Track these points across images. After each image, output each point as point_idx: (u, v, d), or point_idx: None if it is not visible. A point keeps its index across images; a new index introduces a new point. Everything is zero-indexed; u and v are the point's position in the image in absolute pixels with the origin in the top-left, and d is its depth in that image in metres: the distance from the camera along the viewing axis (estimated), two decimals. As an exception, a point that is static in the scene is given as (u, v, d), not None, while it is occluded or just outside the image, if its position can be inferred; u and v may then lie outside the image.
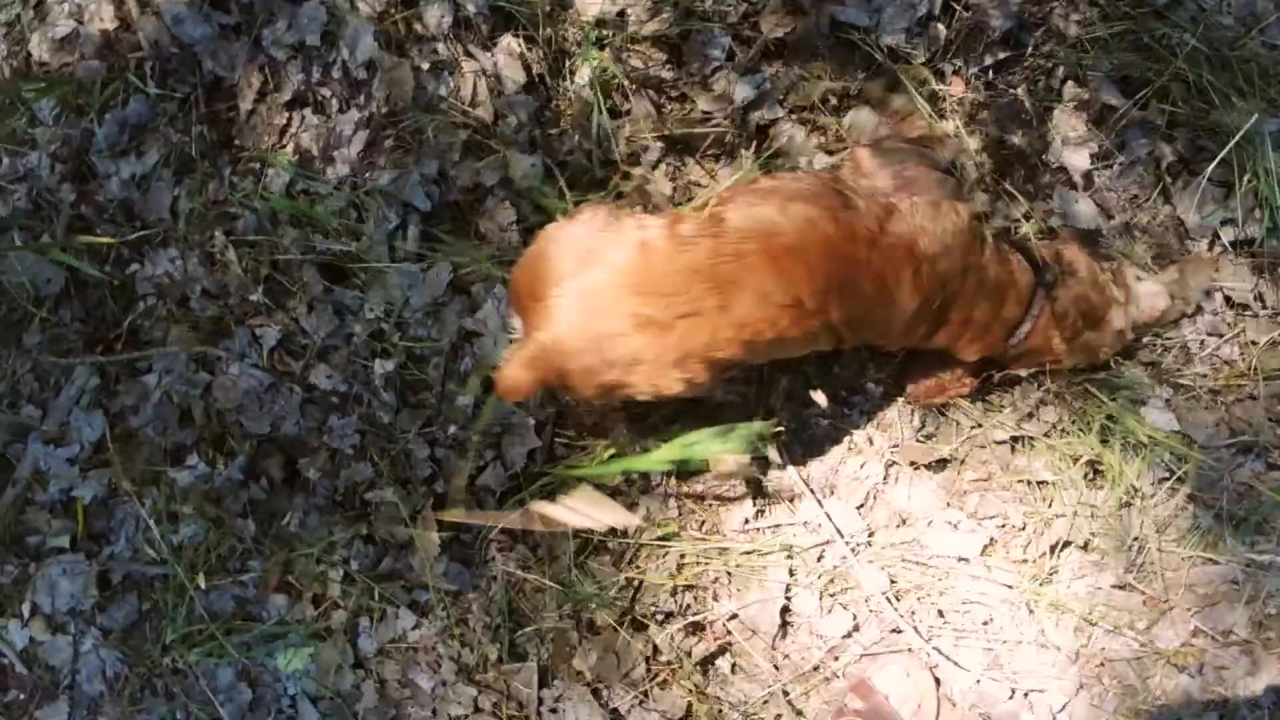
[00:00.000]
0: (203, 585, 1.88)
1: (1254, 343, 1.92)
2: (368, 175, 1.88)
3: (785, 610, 1.87)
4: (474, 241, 1.86)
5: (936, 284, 1.59)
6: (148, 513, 1.95)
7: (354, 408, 1.91)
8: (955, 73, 1.97)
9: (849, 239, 1.51)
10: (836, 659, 1.88)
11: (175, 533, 1.93)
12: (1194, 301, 1.95)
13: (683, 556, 1.88)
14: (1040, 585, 1.87)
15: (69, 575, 1.99)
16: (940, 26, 1.92)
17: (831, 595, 1.89)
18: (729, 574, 1.88)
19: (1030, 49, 1.96)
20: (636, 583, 1.88)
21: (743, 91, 1.91)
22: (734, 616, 1.88)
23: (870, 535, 1.90)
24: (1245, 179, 1.88)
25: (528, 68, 1.95)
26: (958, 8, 1.90)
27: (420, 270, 1.82)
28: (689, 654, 1.85)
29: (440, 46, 1.96)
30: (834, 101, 1.93)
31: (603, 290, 1.43)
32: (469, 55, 1.97)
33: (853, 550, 1.90)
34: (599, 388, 1.49)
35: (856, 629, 1.86)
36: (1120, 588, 1.88)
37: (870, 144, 1.80)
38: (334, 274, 1.90)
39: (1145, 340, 1.95)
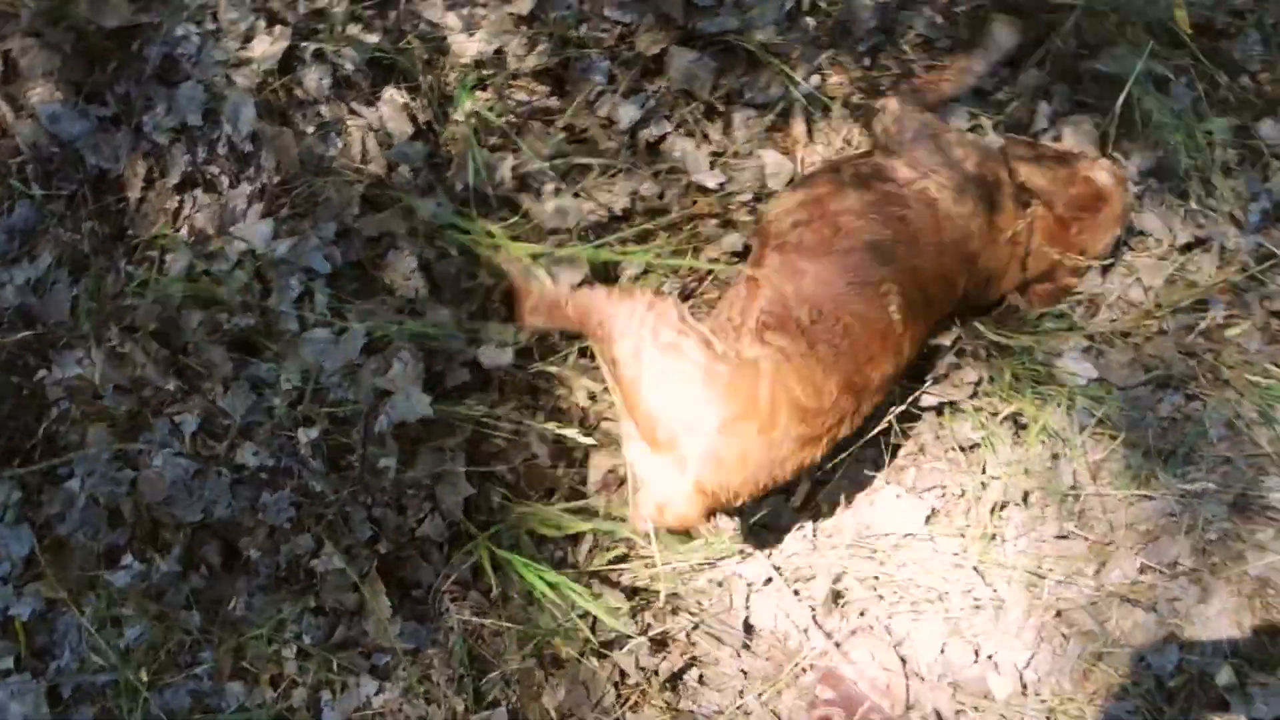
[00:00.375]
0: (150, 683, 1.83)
1: (1150, 287, 2.00)
2: (267, 246, 1.87)
3: (745, 612, 1.88)
4: (381, 297, 1.85)
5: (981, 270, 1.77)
6: (89, 620, 1.89)
7: (284, 481, 1.88)
8: (833, 63, 2.02)
9: (916, 253, 1.67)
10: (802, 653, 1.89)
11: (120, 636, 1.88)
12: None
13: (635, 578, 1.89)
14: (987, 547, 1.91)
15: (18, 697, 1.92)
16: (809, 20, 1.97)
17: (788, 590, 1.90)
18: (684, 585, 1.89)
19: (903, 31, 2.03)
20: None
21: (628, 113, 1.94)
22: (696, 627, 1.89)
23: (815, 523, 1.92)
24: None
25: (413, 117, 1.96)
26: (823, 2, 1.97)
27: (332, 335, 1.81)
28: (656, 673, 1.85)
29: (324, 108, 1.97)
30: (720, 108, 1.96)
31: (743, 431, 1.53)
32: (354, 113, 1.97)
33: (804, 539, 1.92)
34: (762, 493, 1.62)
35: (815, 620, 1.88)
36: (1064, 537, 1.92)
37: (904, 102, 1.85)
38: (246, 349, 1.88)
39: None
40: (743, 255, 1.97)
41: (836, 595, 1.90)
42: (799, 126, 1.98)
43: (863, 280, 1.63)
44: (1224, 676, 1.92)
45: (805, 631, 1.88)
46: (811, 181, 1.80)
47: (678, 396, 1.55)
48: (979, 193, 1.76)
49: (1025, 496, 1.93)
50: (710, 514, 1.62)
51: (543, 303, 1.81)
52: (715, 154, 1.97)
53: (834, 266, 1.63)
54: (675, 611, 1.88)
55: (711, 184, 1.93)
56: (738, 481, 1.55)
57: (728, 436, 1.52)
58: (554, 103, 1.97)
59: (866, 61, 2.02)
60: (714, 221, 1.97)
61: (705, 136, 1.97)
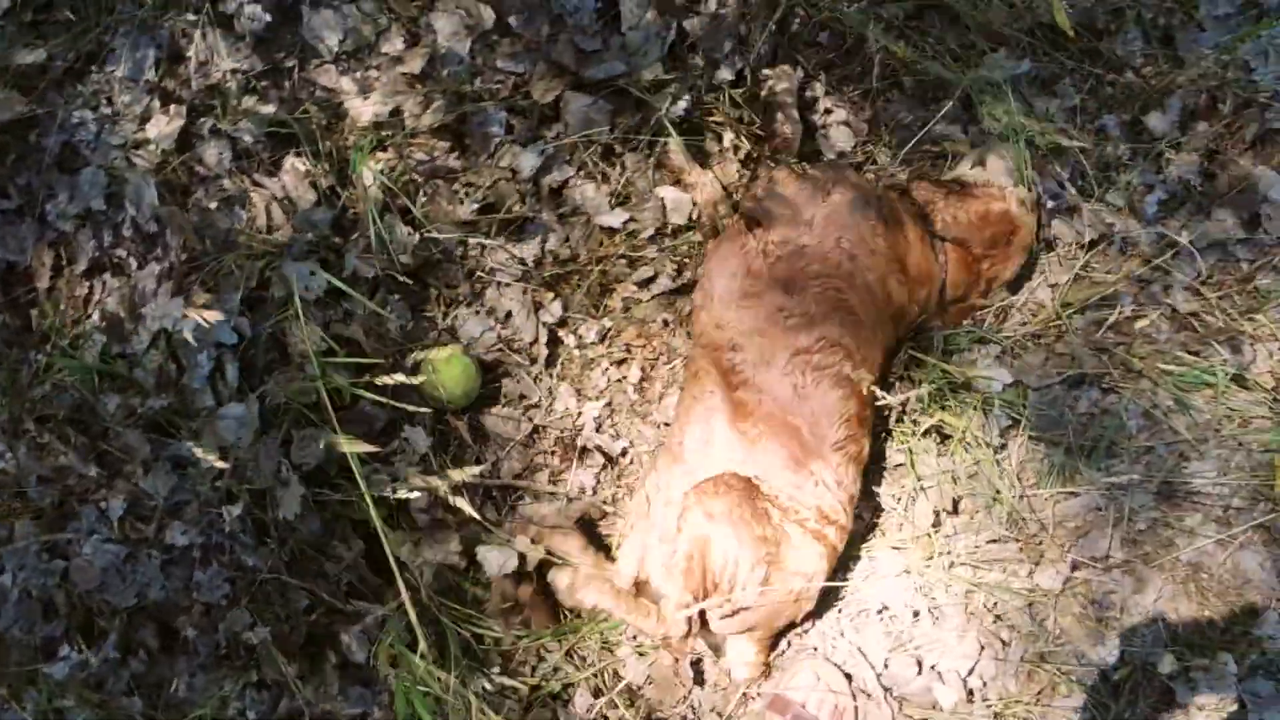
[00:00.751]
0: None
1: (1056, 285, 2.03)
2: (176, 325, 1.87)
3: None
4: (293, 367, 1.86)
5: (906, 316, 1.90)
6: (31, 716, 1.88)
7: (215, 557, 1.87)
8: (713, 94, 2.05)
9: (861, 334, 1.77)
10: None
11: (62, 729, 1.86)
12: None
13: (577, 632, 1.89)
14: (922, 558, 1.92)
15: (-33, 800, 1.90)
16: (695, 57, 2.00)
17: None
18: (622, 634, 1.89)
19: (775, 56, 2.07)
20: (539, 668, 1.87)
21: (528, 161, 1.96)
22: (641, 656, 1.89)
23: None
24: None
25: (315, 184, 1.97)
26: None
27: (245, 410, 1.81)
28: (605, 718, 1.85)
29: (226, 182, 1.98)
30: (617, 149, 1.99)
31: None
32: (256, 184, 1.98)
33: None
34: None
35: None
36: (996, 541, 1.94)
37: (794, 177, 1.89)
38: (166, 430, 1.88)
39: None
40: (650, 281, 2.00)
41: (776, 620, 1.91)
42: (677, 157, 1.99)
43: (848, 418, 1.73)
44: (1166, 665, 1.93)
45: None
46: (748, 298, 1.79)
47: None
48: (891, 255, 1.83)
49: (955, 505, 1.95)
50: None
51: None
52: (615, 195, 1.99)
53: (824, 420, 1.71)
54: (614, 648, 1.88)
55: (615, 224, 1.95)
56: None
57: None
58: (454, 161, 1.98)
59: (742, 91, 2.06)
60: (623, 261, 1.99)
61: (605, 178, 1.99)
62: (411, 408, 1.75)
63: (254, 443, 1.80)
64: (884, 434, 1.97)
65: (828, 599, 1.92)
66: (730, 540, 1.61)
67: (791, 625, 1.85)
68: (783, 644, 1.91)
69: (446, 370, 1.86)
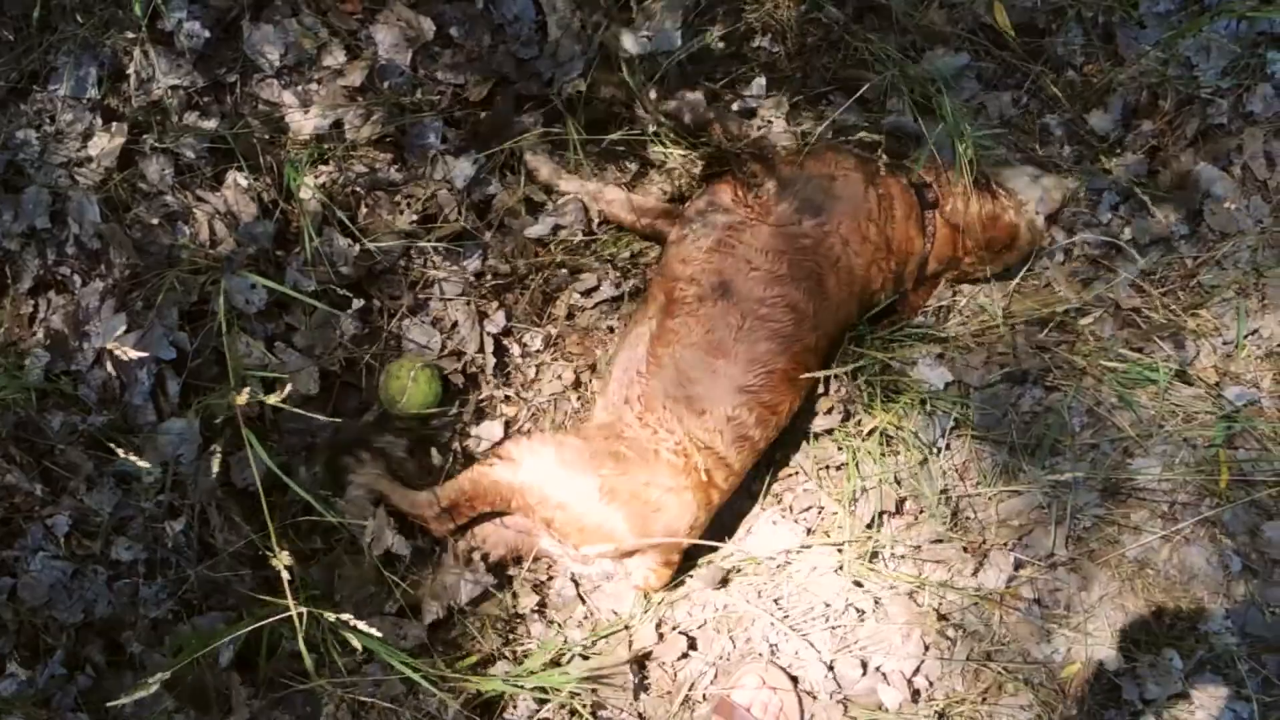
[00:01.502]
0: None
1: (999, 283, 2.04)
2: (118, 340, 1.88)
3: (635, 656, 1.89)
4: (232, 381, 1.86)
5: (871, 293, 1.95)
6: (-21, 734, 1.89)
7: (161, 571, 1.89)
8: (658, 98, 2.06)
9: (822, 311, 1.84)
10: (693, 686, 1.90)
11: (11, 746, 1.87)
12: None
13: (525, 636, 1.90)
14: (865, 559, 1.93)
15: (-78, 817, 1.91)
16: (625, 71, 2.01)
17: (674, 627, 1.91)
18: (566, 642, 1.90)
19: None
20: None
21: (462, 170, 1.97)
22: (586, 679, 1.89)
23: (696, 555, 1.94)
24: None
25: (258, 197, 1.98)
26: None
27: (186, 424, 1.82)
28: (551, 730, 1.86)
29: (169, 198, 1.98)
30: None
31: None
32: (199, 199, 1.99)
33: (684, 573, 1.93)
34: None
35: (693, 647, 1.89)
36: (939, 541, 1.94)
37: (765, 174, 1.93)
38: (108, 446, 1.88)
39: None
40: (593, 290, 2.01)
41: (722, 623, 1.92)
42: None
43: (770, 370, 1.79)
44: (1113, 662, 1.94)
45: (688, 661, 1.89)
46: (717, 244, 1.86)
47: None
48: (876, 229, 1.88)
49: (898, 505, 1.95)
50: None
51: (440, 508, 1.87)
52: (537, 202, 2.01)
53: (742, 361, 1.78)
54: (558, 662, 1.88)
55: (543, 232, 1.96)
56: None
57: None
58: (395, 172, 1.99)
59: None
60: (564, 270, 2.00)
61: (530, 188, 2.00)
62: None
63: (195, 458, 1.81)
64: (824, 434, 1.98)
65: (770, 606, 1.93)
66: (543, 470, 1.76)
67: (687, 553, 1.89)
68: (727, 647, 1.91)
69: (405, 381, 1.87)
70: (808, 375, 1.85)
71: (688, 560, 1.92)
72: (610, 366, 1.90)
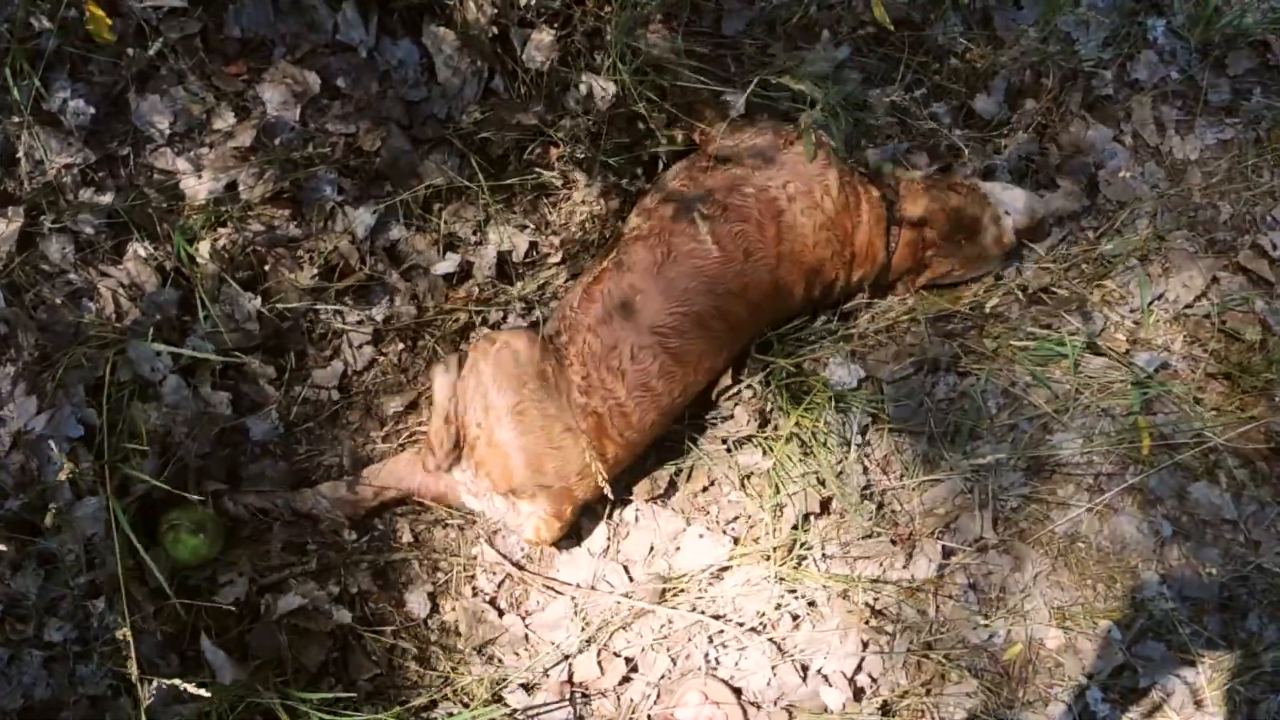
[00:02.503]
0: None
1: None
2: (28, 423, 1.88)
3: (571, 681, 1.89)
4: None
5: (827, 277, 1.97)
6: (-71, 829, 1.88)
7: (96, 648, 1.88)
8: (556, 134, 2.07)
9: (747, 272, 1.84)
10: (636, 710, 1.89)
11: (-40, 838, 1.86)
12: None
13: (452, 670, 1.90)
14: (795, 563, 1.93)
15: None
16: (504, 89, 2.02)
17: (609, 649, 1.91)
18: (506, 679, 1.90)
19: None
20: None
21: (363, 219, 1.98)
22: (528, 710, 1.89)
23: (626, 576, 1.94)
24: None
25: (160, 267, 1.99)
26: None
27: (100, 501, 1.83)
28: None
29: (72, 275, 1.99)
30: (440, 204, 2.01)
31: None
32: (102, 274, 2.00)
33: (615, 594, 1.93)
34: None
35: (634, 670, 1.89)
36: (867, 537, 1.95)
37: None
38: (29, 528, 1.89)
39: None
40: (499, 323, 2.02)
41: (659, 640, 1.92)
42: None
43: (686, 311, 1.80)
44: (1053, 640, 1.94)
45: (627, 684, 1.89)
46: (658, 192, 1.92)
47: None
48: (835, 208, 1.89)
49: (824, 505, 1.96)
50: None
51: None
52: (440, 243, 2.02)
53: (660, 296, 1.80)
54: (499, 698, 1.88)
55: (450, 269, 1.98)
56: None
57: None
58: (294, 228, 2.00)
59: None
60: (473, 306, 2.01)
61: (432, 229, 2.01)
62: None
63: (105, 536, 1.81)
64: (744, 441, 1.99)
65: (705, 619, 1.94)
66: (483, 377, 1.78)
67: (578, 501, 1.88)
68: (667, 665, 1.91)
69: (178, 532, 1.87)
70: (722, 337, 1.87)
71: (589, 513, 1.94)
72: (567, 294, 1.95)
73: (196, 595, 1.89)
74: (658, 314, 1.79)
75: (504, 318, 2.01)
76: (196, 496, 1.84)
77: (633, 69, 1.91)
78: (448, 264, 1.96)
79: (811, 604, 1.92)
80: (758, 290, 1.87)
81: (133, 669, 1.54)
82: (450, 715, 1.82)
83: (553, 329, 1.87)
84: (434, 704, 1.86)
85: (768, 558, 1.93)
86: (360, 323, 1.99)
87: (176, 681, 1.56)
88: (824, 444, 1.95)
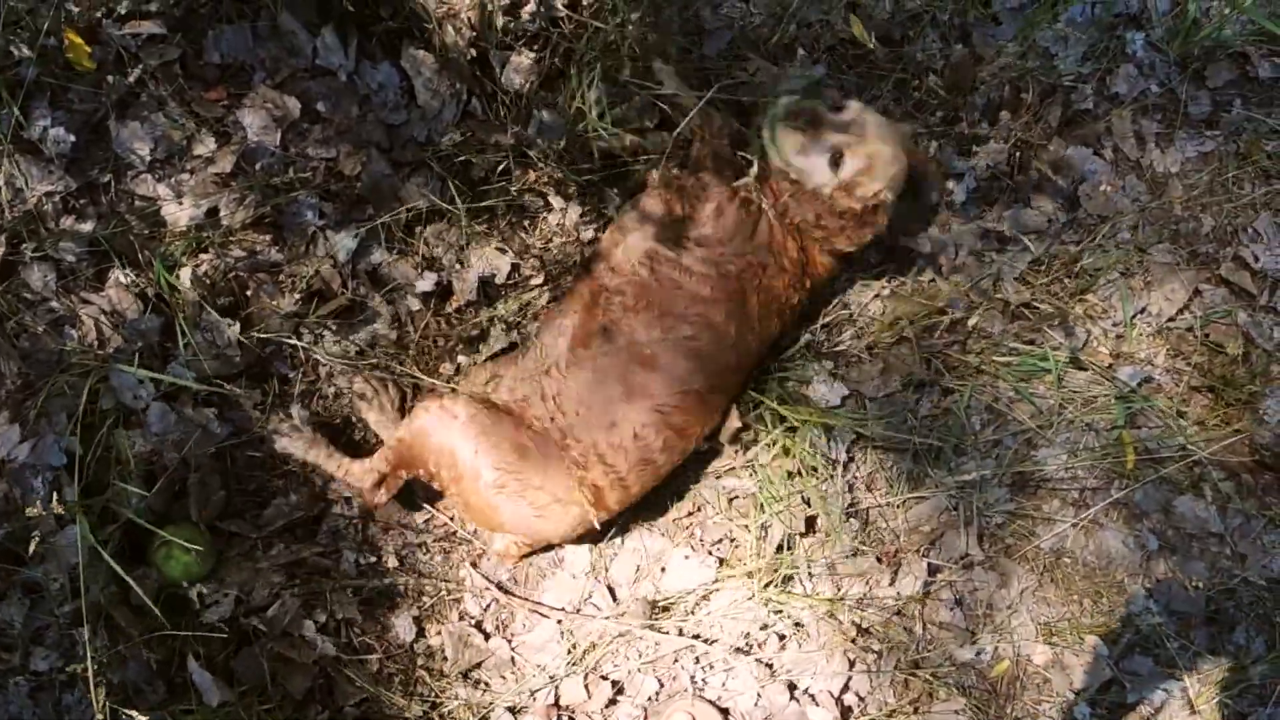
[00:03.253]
0: None
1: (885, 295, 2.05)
2: (11, 453, 1.88)
3: (557, 704, 1.88)
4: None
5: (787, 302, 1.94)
6: None
7: (81, 678, 1.88)
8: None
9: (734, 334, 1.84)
10: (623, 730, 1.90)
11: None
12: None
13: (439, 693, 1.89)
14: (780, 584, 1.93)
15: None
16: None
17: (596, 672, 1.91)
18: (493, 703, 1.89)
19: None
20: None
21: (345, 243, 1.98)
22: (514, 729, 1.89)
23: (613, 598, 1.94)
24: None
25: (141, 294, 1.99)
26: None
27: (79, 530, 1.82)
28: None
29: (54, 303, 1.99)
30: (421, 226, 2.01)
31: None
32: (84, 302, 2.00)
33: (603, 617, 1.93)
34: None
35: (621, 692, 1.89)
36: (852, 555, 1.94)
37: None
38: (14, 557, 1.89)
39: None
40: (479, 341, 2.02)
41: (645, 662, 1.91)
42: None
43: (687, 390, 1.80)
44: (1041, 655, 1.94)
45: (621, 708, 1.89)
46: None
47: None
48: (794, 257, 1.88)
49: (809, 525, 1.95)
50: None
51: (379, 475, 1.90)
52: (422, 266, 2.01)
53: (661, 377, 1.79)
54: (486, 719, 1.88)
55: (428, 288, 1.98)
56: None
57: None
58: (276, 253, 2.00)
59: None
60: (453, 329, 2.01)
61: (417, 254, 2.01)
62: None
63: (88, 564, 1.81)
64: (733, 469, 1.99)
65: (692, 641, 1.94)
66: (452, 435, 1.76)
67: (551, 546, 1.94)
68: (654, 687, 1.91)
69: (170, 549, 1.86)
70: (718, 401, 1.87)
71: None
72: (529, 344, 1.90)
73: (184, 618, 1.89)
74: (660, 395, 1.78)
75: (484, 338, 2.01)
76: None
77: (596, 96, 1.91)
78: (425, 282, 1.96)
79: (798, 624, 1.92)
80: (748, 350, 1.88)
81: (99, 700, 1.52)
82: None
83: (533, 381, 1.83)
84: (420, 730, 1.86)
85: (753, 578, 1.93)
86: (341, 347, 1.99)
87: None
88: (809, 463, 1.94)
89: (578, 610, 1.94)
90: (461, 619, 1.95)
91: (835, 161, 1.80)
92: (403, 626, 1.94)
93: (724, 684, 1.91)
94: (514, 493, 1.76)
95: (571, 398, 1.80)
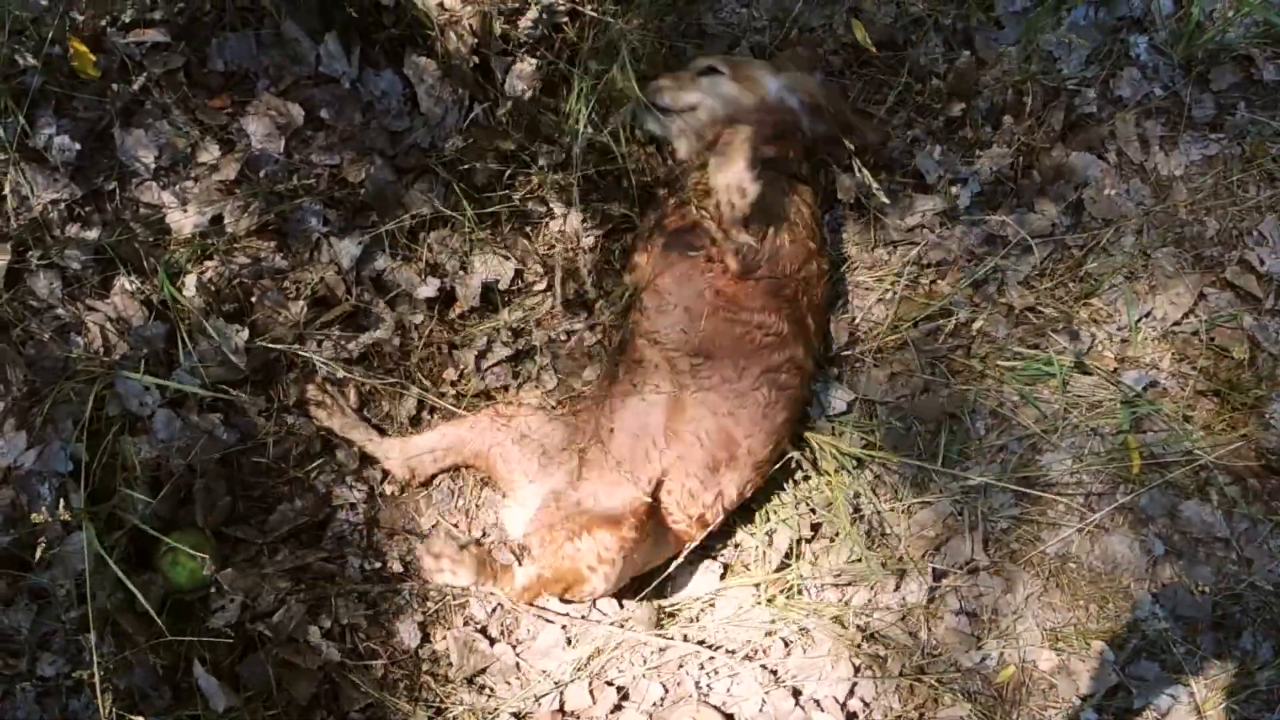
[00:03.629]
0: None
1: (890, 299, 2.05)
2: (17, 459, 1.89)
3: (562, 710, 1.88)
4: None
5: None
6: None
7: (87, 683, 1.88)
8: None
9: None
10: (627, 736, 1.89)
11: None
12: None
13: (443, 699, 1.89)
14: (785, 589, 1.93)
15: None
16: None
17: (601, 678, 1.91)
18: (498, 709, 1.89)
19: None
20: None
21: (349, 250, 1.99)
22: (518, 734, 1.89)
23: (618, 603, 1.94)
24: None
25: (146, 301, 1.99)
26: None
27: (84, 536, 1.83)
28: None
29: (60, 310, 2.00)
30: (424, 232, 2.01)
31: None
32: (90, 309, 2.00)
33: (608, 620, 1.93)
34: None
35: (626, 698, 1.88)
36: (858, 560, 1.94)
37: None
38: (21, 563, 1.89)
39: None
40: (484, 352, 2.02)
41: (650, 668, 1.91)
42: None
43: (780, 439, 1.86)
44: (1047, 661, 1.94)
45: (626, 714, 1.89)
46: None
47: None
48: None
49: (814, 530, 1.95)
50: None
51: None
52: (425, 272, 2.02)
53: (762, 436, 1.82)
54: (489, 724, 1.88)
55: (431, 294, 1.98)
56: None
57: None
58: (281, 260, 2.01)
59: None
60: (458, 336, 2.01)
61: (420, 260, 2.02)
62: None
63: (95, 570, 1.81)
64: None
65: (697, 647, 1.94)
66: (605, 574, 1.74)
67: None
68: (659, 693, 1.90)
69: (177, 554, 1.86)
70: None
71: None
72: (602, 438, 1.83)
73: (190, 623, 1.90)
74: (762, 450, 1.81)
75: (489, 347, 2.01)
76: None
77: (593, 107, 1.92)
78: (428, 288, 1.96)
79: (803, 630, 1.92)
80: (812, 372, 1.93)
81: (105, 706, 1.53)
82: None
83: (627, 470, 1.78)
84: (425, 737, 1.86)
85: (759, 584, 1.93)
86: (346, 352, 2.00)
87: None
88: (815, 468, 1.94)
89: (583, 616, 1.94)
90: (466, 624, 1.95)
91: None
92: (407, 632, 1.94)
93: (729, 690, 1.90)
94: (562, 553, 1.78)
95: (679, 473, 1.79)
